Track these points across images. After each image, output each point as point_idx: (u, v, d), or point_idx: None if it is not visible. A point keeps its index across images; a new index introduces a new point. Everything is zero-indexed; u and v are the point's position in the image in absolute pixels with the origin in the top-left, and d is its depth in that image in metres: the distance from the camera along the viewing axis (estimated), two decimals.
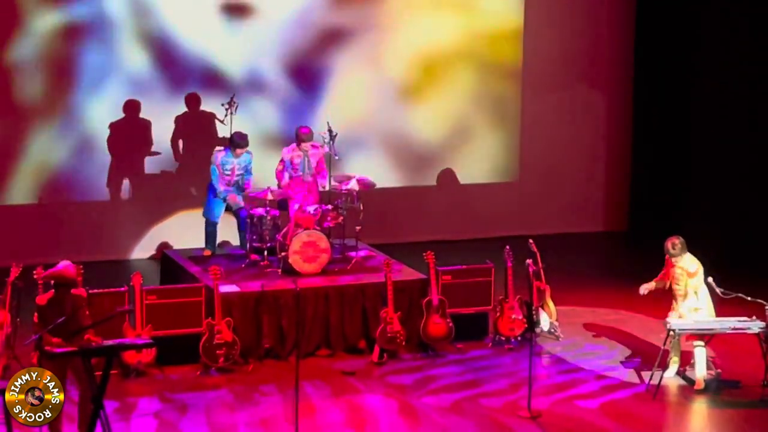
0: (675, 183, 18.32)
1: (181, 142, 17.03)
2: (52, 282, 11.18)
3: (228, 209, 15.08)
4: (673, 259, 12.85)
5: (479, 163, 18.39)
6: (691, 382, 12.87)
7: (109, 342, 11.27)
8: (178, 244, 16.41)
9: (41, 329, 10.95)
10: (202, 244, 15.21)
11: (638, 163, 18.84)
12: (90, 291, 11.82)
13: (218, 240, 15.47)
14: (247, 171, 14.92)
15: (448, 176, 18.29)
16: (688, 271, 12.84)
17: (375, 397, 12.61)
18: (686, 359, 13.05)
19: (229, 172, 14.81)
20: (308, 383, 12.59)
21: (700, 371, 12.79)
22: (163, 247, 16.39)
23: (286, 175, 14.75)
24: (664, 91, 18.38)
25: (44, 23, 16.36)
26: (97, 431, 10.77)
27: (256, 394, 12.59)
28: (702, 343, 12.85)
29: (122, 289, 13.12)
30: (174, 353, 13.11)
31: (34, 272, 12.47)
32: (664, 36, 18.26)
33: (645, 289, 13.14)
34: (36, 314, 11.28)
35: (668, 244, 12.89)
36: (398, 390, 12.76)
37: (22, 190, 16.56)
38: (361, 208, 14.73)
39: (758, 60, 17.22)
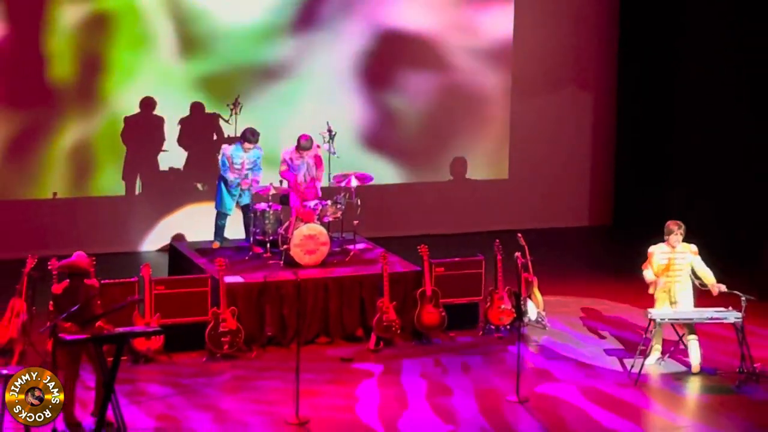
0: (657, 179, 18.27)
1: (188, 141, 17.02)
2: (66, 272, 11.25)
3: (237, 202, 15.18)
4: (674, 238, 12.77)
5: (471, 161, 18.38)
6: (669, 368, 12.99)
7: (120, 330, 11.35)
8: (186, 236, 16.41)
9: (56, 317, 11.01)
10: (208, 237, 15.24)
11: (622, 161, 18.80)
12: (102, 281, 11.83)
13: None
14: (256, 166, 14.89)
15: (441, 174, 18.28)
16: (691, 249, 12.88)
17: (371, 381, 12.66)
18: (666, 347, 13.08)
19: (239, 166, 14.80)
20: (308, 369, 12.59)
21: (695, 359, 12.85)
22: (175, 239, 16.42)
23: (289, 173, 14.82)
24: (647, 91, 18.31)
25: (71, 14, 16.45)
26: (108, 414, 10.94)
27: (259, 379, 12.63)
28: (695, 336, 12.88)
29: (132, 279, 13.15)
30: (181, 340, 13.12)
31: (49, 263, 12.47)
32: (647, 39, 18.19)
33: (654, 288, 12.95)
34: (51, 303, 11.36)
35: (673, 226, 12.81)
36: (393, 375, 12.81)
37: (39, 185, 16.62)
38: (359, 203, 14.75)
39: (739, 62, 17.13)
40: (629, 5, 18.50)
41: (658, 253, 12.91)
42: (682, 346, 13.12)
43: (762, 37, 16.70)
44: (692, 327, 12.90)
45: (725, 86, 17.34)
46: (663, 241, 13.02)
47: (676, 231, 12.83)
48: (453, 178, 18.40)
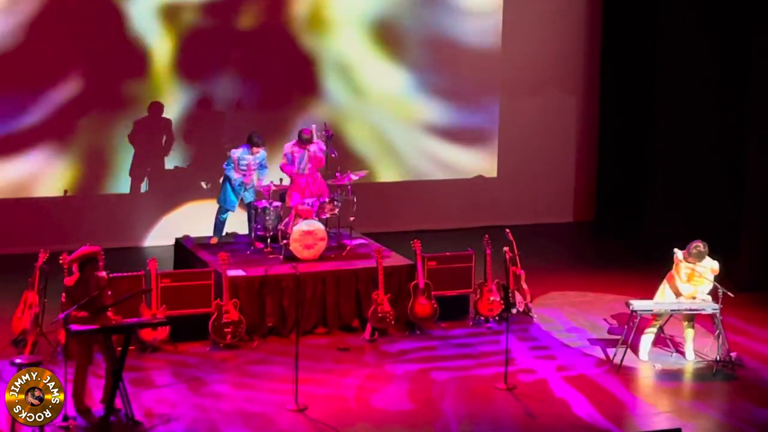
0: (637, 178, 18.26)
1: (193, 140, 17.00)
2: (76, 266, 11.17)
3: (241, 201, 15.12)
4: (693, 258, 12.60)
5: (462, 160, 18.39)
6: (650, 357, 12.94)
7: (128, 320, 11.40)
8: (188, 232, 16.39)
9: (69, 308, 10.97)
10: (211, 232, 15.20)
11: (604, 161, 18.82)
12: (110, 275, 11.72)
13: (225, 231, 15.48)
14: (262, 166, 14.89)
15: (434, 172, 18.27)
16: (713, 268, 12.73)
17: (365, 369, 12.64)
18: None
19: (245, 168, 14.79)
20: (307, 358, 12.58)
21: (690, 349, 12.89)
22: (182, 238, 16.42)
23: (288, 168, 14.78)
24: (628, 94, 18.32)
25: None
26: (116, 401, 10.89)
27: (260, 367, 12.61)
28: (692, 326, 12.87)
29: (139, 273, 13.11)
30: (186, 331, 13.11)
31: (60, 257, 12.41)
32: (628, 45, 18.22)
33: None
34: (64, 294, 11.31)
35: (694, 249, 12.59)
36: (387, 363, 12.79)
37: (49, 184, 16.57)
38: (355, 200, 14.75)
39: (715, 65, 17.19)
40: (611, 13, 18.50)
41: (684, 266, 12.71)
42: (662, 335, 13.13)
43: (736, 40, 16.73)
44: (691, 320, 12.87)
45: (702, 89, 17.34)
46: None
47: (697, 258, 12.61)
48: (445, 177, 18.37)
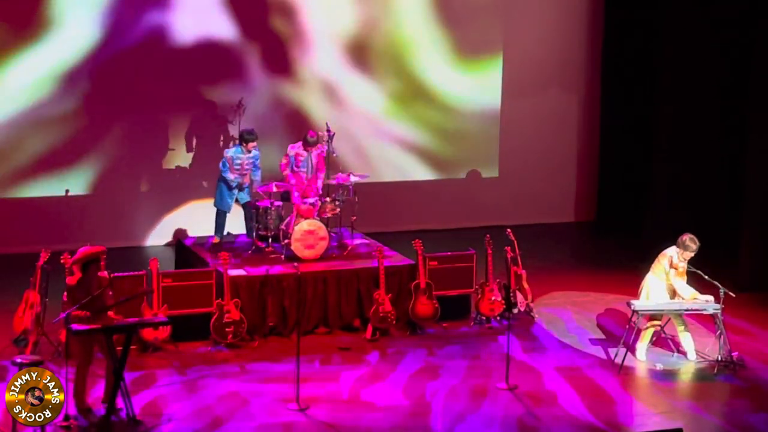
0: (638, 178, 18.24)
1: (194, 140, 17.03)
2: (78, 266, 11.17)
3: (236, 201, 15.11)
4: (688, 255, 12.70)
5: (463, 160, 18.43)
6: (651, 357, 12.96)
7: (129, 320, 11.42)
8: (190, 232, 16.43)
9: (70, 308, 10.97)
10: (212, 232, 15.18)
11: (605, 161, 18.81)
12: (112, 274, 11.73)
13: (225, 230, 15.53)
14: (255, 166, 14.89)
15: (435, 172, 18.30)
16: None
17: (367, 369, 12.65)
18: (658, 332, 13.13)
19: (239, 167, 14.78)
20: (308, 357, 12.62)
21: (690, 352, 12.90)
22: (179, 235, 16.41)
23: (288, 169, 14.80)
24: (629, 95, 18.33)
25: None
26: (117, 400, 10.92)
27: (261, 367, 12.61)
28: (683, 326, 12.89)
29: (141, 272, 13.12)
30: (187, 331, 13.11)
31: (61, 257, 12.41)
32: (630, 43, 18.23)
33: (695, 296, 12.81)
34: (65, 294, 11.32)
35: (689, 242, 12.67)
36: (388, 363, 12.79)
37: (49, 183, 16.59)
38: (357, 200, 14.77)
39: (717, 66, 17.24)
40: (613, 12, 18.50)
41: (681, 264, 12.74)
42: (663, 335, 13.16)
43: (738, 39, 16.78)
44: (683, 322, 12.89)
45: (703, 88, 17.38)
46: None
47: (693, 249, 12.68)
48: (446, 176, 18.39)
